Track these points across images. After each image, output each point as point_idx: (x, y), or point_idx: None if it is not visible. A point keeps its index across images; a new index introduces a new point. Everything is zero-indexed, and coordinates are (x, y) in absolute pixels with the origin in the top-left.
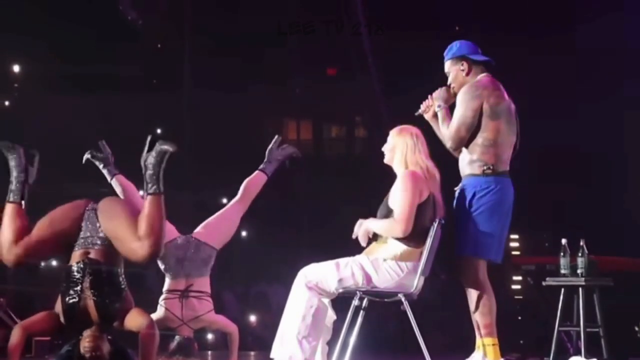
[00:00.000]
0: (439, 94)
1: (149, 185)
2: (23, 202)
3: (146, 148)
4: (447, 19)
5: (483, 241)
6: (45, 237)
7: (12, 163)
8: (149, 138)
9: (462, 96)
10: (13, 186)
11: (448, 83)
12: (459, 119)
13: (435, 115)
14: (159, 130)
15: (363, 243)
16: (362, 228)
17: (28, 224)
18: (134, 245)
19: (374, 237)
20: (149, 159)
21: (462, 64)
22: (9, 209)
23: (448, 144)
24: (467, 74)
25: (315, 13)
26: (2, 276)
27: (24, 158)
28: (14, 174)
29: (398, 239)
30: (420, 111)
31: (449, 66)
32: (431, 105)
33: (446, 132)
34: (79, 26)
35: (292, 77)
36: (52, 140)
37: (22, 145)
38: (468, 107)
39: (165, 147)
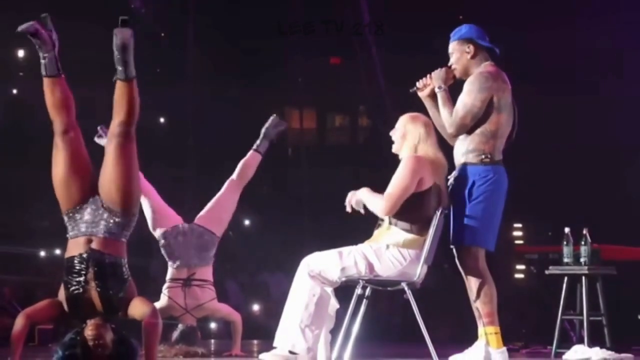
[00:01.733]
0: (438, 74)
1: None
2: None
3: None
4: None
5: (482, 230)
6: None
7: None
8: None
9: (471, 85)
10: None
11: (449, 64)
12: (465, 107)
13: (431, 95)
14: (162, 120)
15: (349, 209)
16: (354, 199)
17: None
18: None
19: (376, 225)
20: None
21: (469, 47)
22: (52, 82)
23: (449, 129)
24: (472, 58)
25: (316, 12)
26: (5, 267)
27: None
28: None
29: (402, 228)
30: (415, 88)
31: (454, 47)
32: (429, 85)
33: (448, 118)
34: (82, 14)
35: (295, 66)
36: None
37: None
38: (477, 98)
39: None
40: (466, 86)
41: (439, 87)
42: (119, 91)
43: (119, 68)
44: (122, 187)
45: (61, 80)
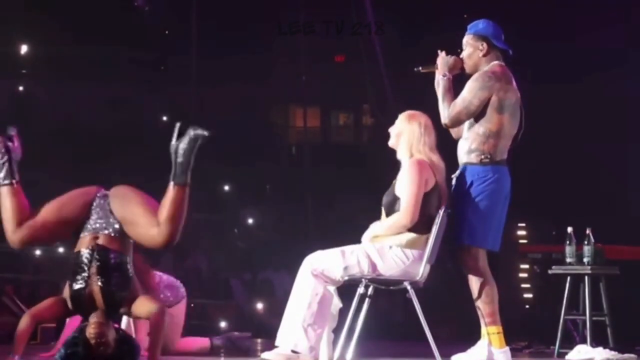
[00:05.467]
0: (446, 61)
1: (178, 174)
2: (15, 181)
3: (175, 135)
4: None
5: (480, 230)
6: (52, 221)
7: None
8: (177, 125)
9: (473, 83)
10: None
11: (461, 55)
12: (463, 103)
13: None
14: (164, 118)
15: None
16: (366, 238)
17: (26, 203)
18: (152, 231)
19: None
20: (180, 146)
21: (482, 44)
22: (3, 191)
23: (444, 120)
24: (484, 56)
25: (317, 12)
26: (7, 264)
27: (3, 139)
28: None
29: None
30: (420, 68)
31: (468, 40)
32: (435, 69)
33: (445, 109)
34: (86, 10)
35: (300, 64)
36: (61, 126)
37: None
38: (476, 96)
39: (199, 132)
40: (469, 83)
41: (443, 75)
42: (172, 195)
43: (181, 174)
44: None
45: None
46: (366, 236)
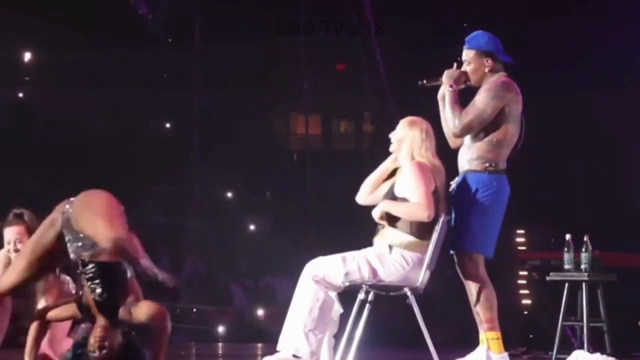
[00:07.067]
0: (452, 74)
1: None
2: None
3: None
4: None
5: (482, 236)
6: (32, 263)
7: None
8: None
9: (486, 93)
10: None
11: (463, 68)
12: (476, 110)
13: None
14: (167, 125)
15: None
16: (378, 210)
17: None
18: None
19: (376, 231)
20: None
21: (488, 60)
22: None
23: (454, 130)
24: (490, 71)
25: (316, 13)
26: None
27: None
28: None
29: (402, 229)
30: (424, 82)
31: (471, 57)
32: (440, 82)
33: (455, 118)
34: (89, 17)
35: (301, 72)
36: (62, 132)
37: None
38: (489, 105)
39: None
40: (481, 92)
41: (450, 86)
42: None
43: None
44: None
45: None
46: (376, 212)
